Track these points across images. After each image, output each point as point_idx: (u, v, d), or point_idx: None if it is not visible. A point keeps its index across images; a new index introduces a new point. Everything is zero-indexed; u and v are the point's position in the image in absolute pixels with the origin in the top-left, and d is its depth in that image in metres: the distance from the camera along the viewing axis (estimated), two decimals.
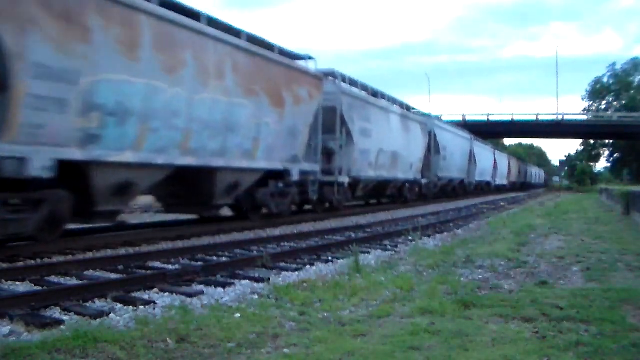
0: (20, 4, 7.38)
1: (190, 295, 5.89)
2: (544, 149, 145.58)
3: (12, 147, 7.36)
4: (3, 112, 7.28)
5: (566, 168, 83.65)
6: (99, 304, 5.56)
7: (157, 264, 7.96)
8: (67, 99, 7.97)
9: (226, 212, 14.90)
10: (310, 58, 15.62)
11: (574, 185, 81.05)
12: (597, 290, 6.20)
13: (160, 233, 10.91)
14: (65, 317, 4.98)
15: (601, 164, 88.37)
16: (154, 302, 5.52)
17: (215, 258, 8.67)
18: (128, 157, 9.18)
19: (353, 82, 19.05)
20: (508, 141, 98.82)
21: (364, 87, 20.22)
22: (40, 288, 6.22)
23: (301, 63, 15.13)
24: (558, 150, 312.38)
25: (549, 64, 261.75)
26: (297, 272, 7.45)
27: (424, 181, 26.63)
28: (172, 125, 9.94)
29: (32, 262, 7.88)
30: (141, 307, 5.36)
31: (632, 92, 73.51)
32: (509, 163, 56.32)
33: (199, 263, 7.87)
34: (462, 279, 6.88)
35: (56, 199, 8.43)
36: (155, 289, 6.14)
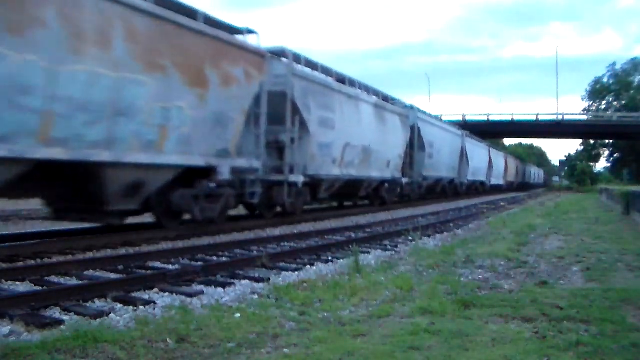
0: None
1: (190, 295, 5.89)
2: (544, 149, 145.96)
3: None
4: None
5: (566, 168, 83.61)
6: (99, 304, 5.56)
7: (157, 264, 7.96)
8: None
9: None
10: (251, 32, 12.49)
11: (574, 185, 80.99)
12: (597, 290, 6.21)
13: (160, 233, 10.90)
14: (65, 317, 4.98)
15: (601, 164, 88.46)
16: (154, 302, 5.52)
17: (215, 258, 8.67)
18: None
19: (311, 64, 15.78)
20: (508, 141, 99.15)
21: (327, 71, 16.79)
22: (40, 288, 6.22)
23: (239, 38, 12.19)
24: (558, 150, 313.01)
25: (548, 64, 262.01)
26: (297, 272, 7.45)
27: (404, 180, 23.33)
28: (20, 105, 7.46)
29: (32, 262, 7.88)
30: (141, 307, 5.36)
31: (632, 92, 73.46)
32: (505, 162, 54.10)
33: (199, 263, 7.87)
34: (462, 279, 6.88)
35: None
36: (155, 289, 6.14)
